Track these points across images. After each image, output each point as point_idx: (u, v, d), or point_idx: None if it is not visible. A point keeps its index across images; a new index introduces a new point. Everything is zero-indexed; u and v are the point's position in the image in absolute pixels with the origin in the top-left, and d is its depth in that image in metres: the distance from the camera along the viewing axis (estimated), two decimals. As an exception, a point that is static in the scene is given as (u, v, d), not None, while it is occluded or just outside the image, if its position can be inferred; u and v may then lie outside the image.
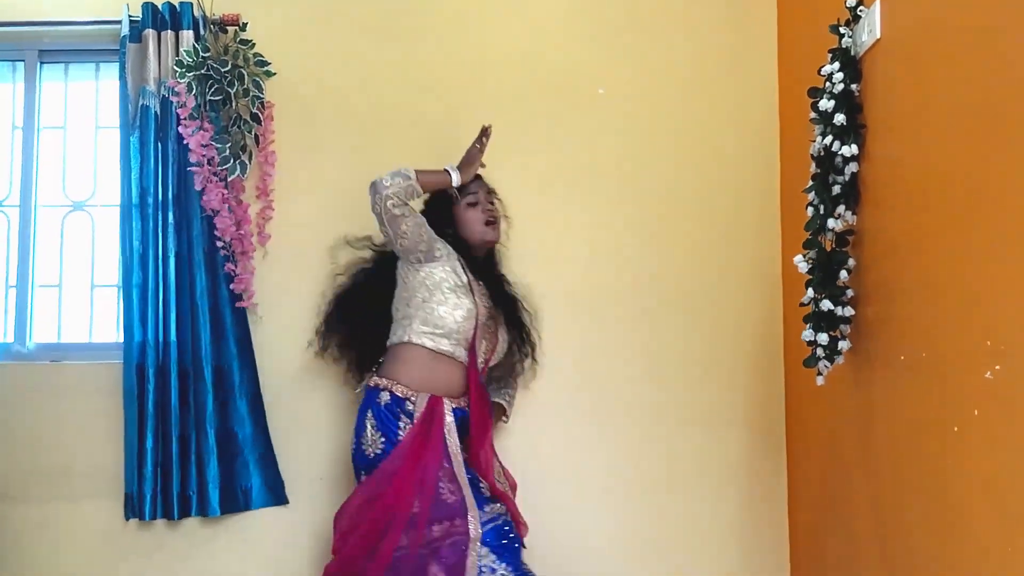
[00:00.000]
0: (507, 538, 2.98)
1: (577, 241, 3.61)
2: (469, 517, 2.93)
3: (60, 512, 3.53)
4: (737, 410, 3.60)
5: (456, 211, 3.21)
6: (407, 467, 2.95)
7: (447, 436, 3.03)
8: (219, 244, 3.44)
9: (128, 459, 3.45)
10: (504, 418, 3.38)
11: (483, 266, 3.26)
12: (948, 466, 2.33)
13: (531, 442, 3.51)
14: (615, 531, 3.55)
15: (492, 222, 3.21)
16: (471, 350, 3.10)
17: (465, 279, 3.11)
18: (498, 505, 3.03)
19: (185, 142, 3.41)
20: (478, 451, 3.06)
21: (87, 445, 3.55)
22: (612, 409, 3.57)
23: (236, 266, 3.45)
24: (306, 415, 3.58)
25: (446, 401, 3.07)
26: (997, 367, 2.10)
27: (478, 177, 3.25)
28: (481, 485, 3.05)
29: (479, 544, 2.91)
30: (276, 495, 3.52)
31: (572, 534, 3.51)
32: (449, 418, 3.05)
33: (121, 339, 3.52)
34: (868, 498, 2.83)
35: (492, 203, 3.25)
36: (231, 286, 3.46)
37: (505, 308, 3.27)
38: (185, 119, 3.41)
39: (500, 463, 3.21)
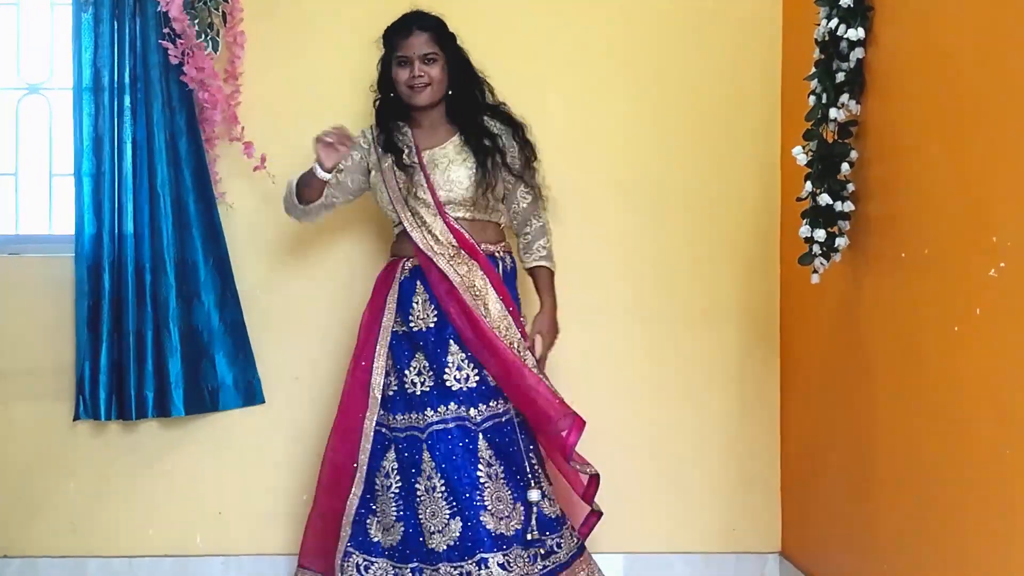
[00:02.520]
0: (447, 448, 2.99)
1: (565, 132, 3.56)
2: (367, 414, 3.07)
3: (15, 412, 3.57)
4: (731, 307, 3.63)
5: (391, 67, 3.12)
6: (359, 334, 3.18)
7: (388, 298, 3.12)
8: (217, 119, 3.41)
9: (79, 358, 3.45)
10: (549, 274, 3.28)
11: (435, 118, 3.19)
12: (948, 366, 2.36)
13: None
14: (605, 429, 3.56)
15: (419, 88, 3.07)
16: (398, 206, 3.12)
17: (378, 159, 3.16)
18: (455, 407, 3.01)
19: (162, 9, 3.30)
20: (450, 315, 3.03)
21: (44, 342, 3.57)
22: (603, 306, 3.60)
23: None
24: (280, 311, 3.58)
25: (403, 260, 3.14)
26: (1001, 264, 2.11)
27: (420, 31, 3.07)
28: (446, 371, 3.01)
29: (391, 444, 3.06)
30: (249, 394, 3.52)
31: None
32: (399, 274, 3.11)
33: (78, 231, 3.49)
34: (864, 398, 2.86)
35: (429, 63, 3.07)
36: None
37: (467, 136, 3.15)
38: None
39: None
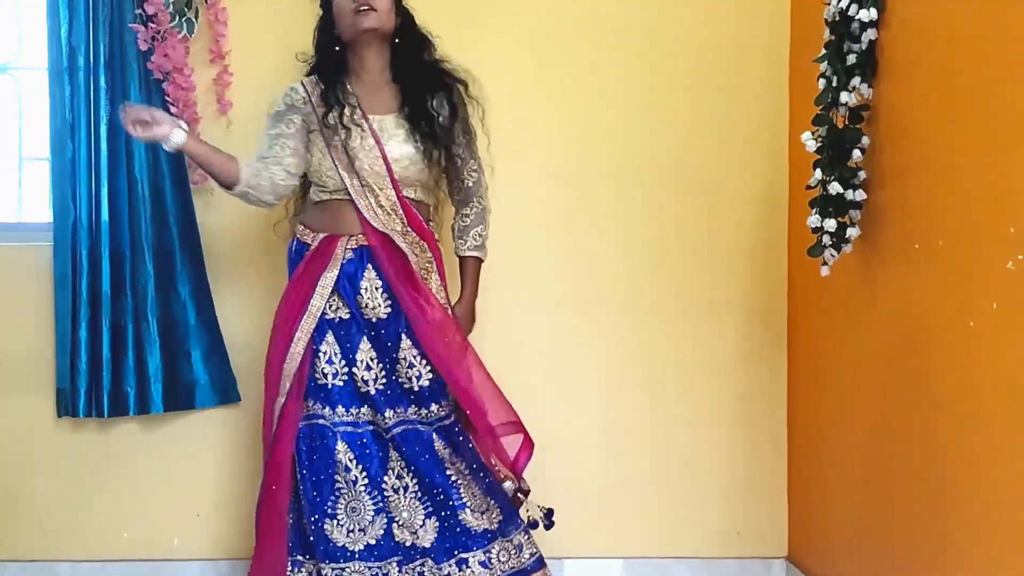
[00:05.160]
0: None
1: (562, 112, 3.56)
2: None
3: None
4: (736, 300, 3.64)
5: (332, 5, 3.07)
6: (280, 313, 3.08)
7: (322, 277, 3.00)
8: (172, 111, 3.36)
9: (60, 352, 3.45)
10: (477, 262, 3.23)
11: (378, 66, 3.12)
12: (962, 363, 2.37)
13: (509, 334, 3.53)
14: (603, 428, 3.63)
15: (363, 9, 2.96)
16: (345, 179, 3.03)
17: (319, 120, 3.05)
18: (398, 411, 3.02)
19: None
20: (404, 302, 2.99)
21: (17, 335, 3.55)
22: (600, 297, 3.61)
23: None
24: (263, 304, 3.54)
25: (344, 239, 3.04)
26: (1019, 256, 2.12)
27: None
28: (398, 368, 3.00)
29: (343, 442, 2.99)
30: (225, 392, 3.52)
31: (557, 432, 3.56)
32: (342, 253, 3.01)
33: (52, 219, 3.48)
34: (874, 397, 2.87)
35: None
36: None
37: (411, 111, 3.08)
38: None
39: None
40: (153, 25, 3.33)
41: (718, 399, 3.64)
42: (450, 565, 2.99)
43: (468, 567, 2.99)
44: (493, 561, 3.01)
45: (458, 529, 2.99)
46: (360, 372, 3.00)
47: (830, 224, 2.81)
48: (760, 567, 3.65)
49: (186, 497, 3.59)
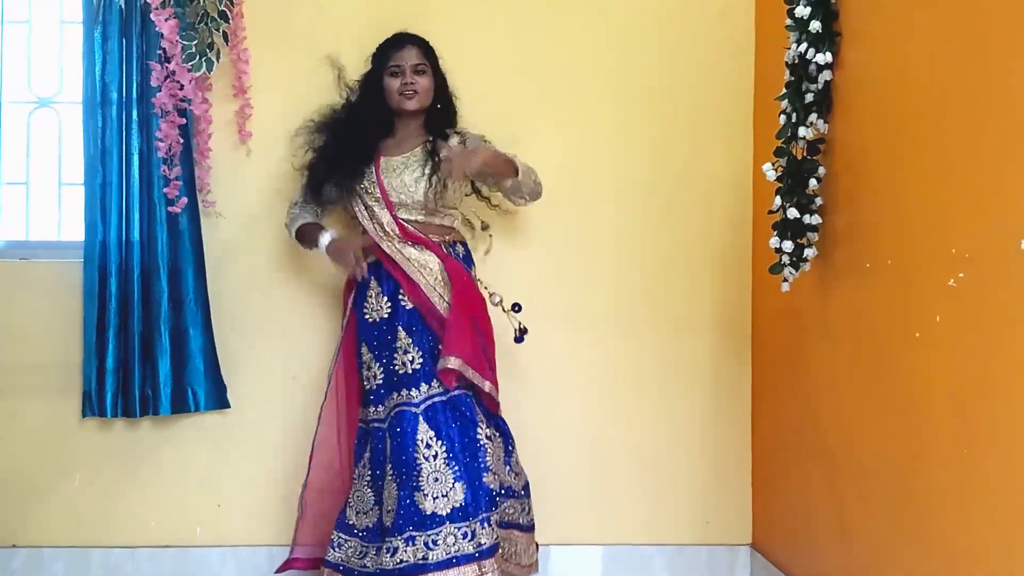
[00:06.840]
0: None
1: (544, 145, 3.57)
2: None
3: (24, 408, 3.59)
4: (704, 316, 3.68)
5: (382, 78, 3.30)
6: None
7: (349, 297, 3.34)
8: (159, 145, 3.36)
9: (87, 357, 3.48)
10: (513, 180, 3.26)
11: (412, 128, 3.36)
12: (909, 369, 2.41)
13: (505, 345, 3.56)
14: (587, 428, 3.66)
15: (409, 95, 3.26)
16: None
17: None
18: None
19: (158, 29, 3.28)
20: (401, 299, 3.21)
21: (51, 342, 3.58)
22: (585, 312, 3.65)
23: (171, 170, 3.38)
24: (275, 311, 3.63)
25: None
26: (960, 275, 2.16)
27: (412, 45, 3.28)
28: (395, 357, 3.17)
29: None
30: (220, 398, 3.56)
31: (547, 432, 3.61)
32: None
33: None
34: (830, 400, 2.92)
35: (419, 73, 3.27)
36: (164, 190, 3.40)
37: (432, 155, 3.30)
38: (157, 7, 3.29)
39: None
40: (168, 65, 3.33)
41: (690, 402, 3.68)
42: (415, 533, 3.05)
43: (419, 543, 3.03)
44: (437, 543, 3.01)
45: (413, 507, 3.03)
46: (364, 372, 3.26)
47: (787, 245, 2.86)
48: (727, 553, 3.68)
49: (208, 489, 3.62)
